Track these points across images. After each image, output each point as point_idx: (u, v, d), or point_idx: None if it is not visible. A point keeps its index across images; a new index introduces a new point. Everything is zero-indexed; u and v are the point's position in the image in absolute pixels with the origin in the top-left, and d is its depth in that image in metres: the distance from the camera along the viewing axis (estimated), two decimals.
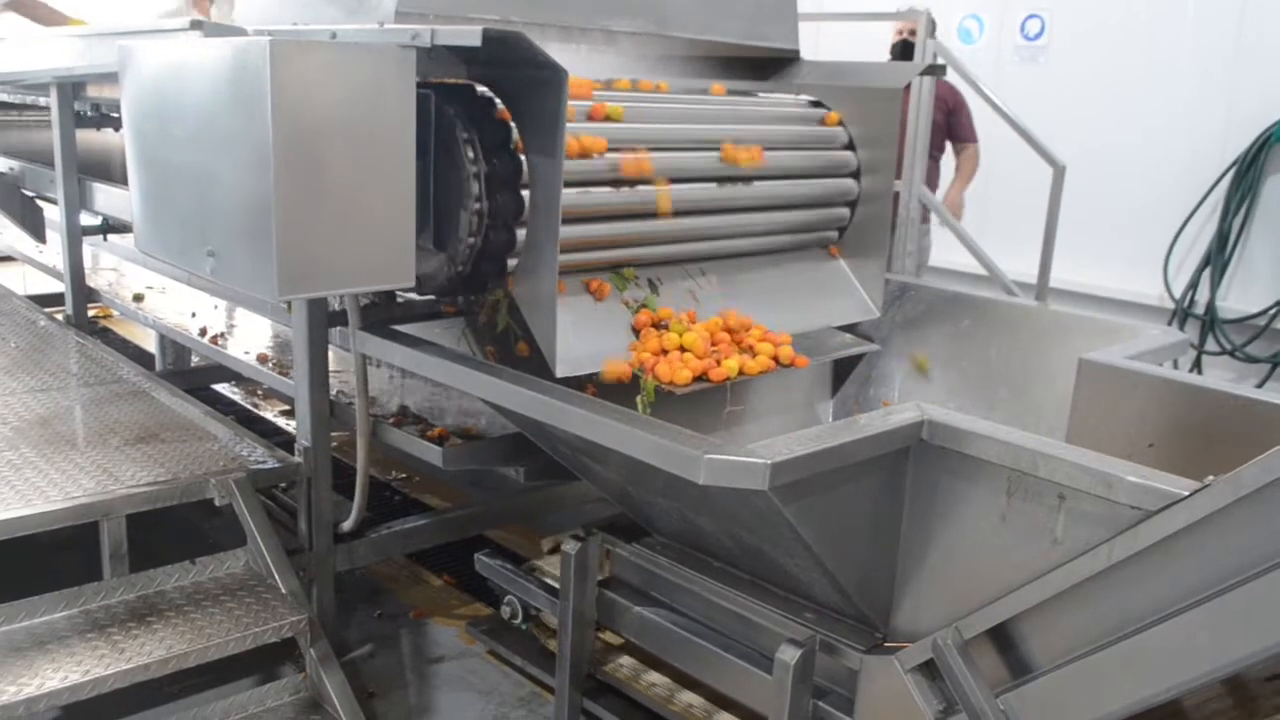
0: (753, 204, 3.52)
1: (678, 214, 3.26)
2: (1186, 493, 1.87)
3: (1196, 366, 6.61)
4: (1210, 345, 6.60)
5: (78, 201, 4.73)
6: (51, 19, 6.12)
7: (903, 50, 5.91)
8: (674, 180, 3.24)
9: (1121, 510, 1.97)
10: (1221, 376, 6.27)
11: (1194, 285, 6.63)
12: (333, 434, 3.59)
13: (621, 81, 3.44)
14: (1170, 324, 6.56)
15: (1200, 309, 6.62)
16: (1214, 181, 6.43)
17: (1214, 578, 1.84)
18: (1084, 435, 2.82)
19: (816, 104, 3.80)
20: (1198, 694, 2.22)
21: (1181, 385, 2.78)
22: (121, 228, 4.80)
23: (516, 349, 3.21)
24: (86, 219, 4.85)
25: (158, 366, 6.20)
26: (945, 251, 6.39)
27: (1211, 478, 1.82)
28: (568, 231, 2.87)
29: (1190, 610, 1.86)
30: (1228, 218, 6.44)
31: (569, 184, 2.84)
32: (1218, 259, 6.53)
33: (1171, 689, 1.94)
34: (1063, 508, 2.09)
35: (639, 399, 2.91)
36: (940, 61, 5.43)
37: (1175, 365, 3.73)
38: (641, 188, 3.14)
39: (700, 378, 2.97)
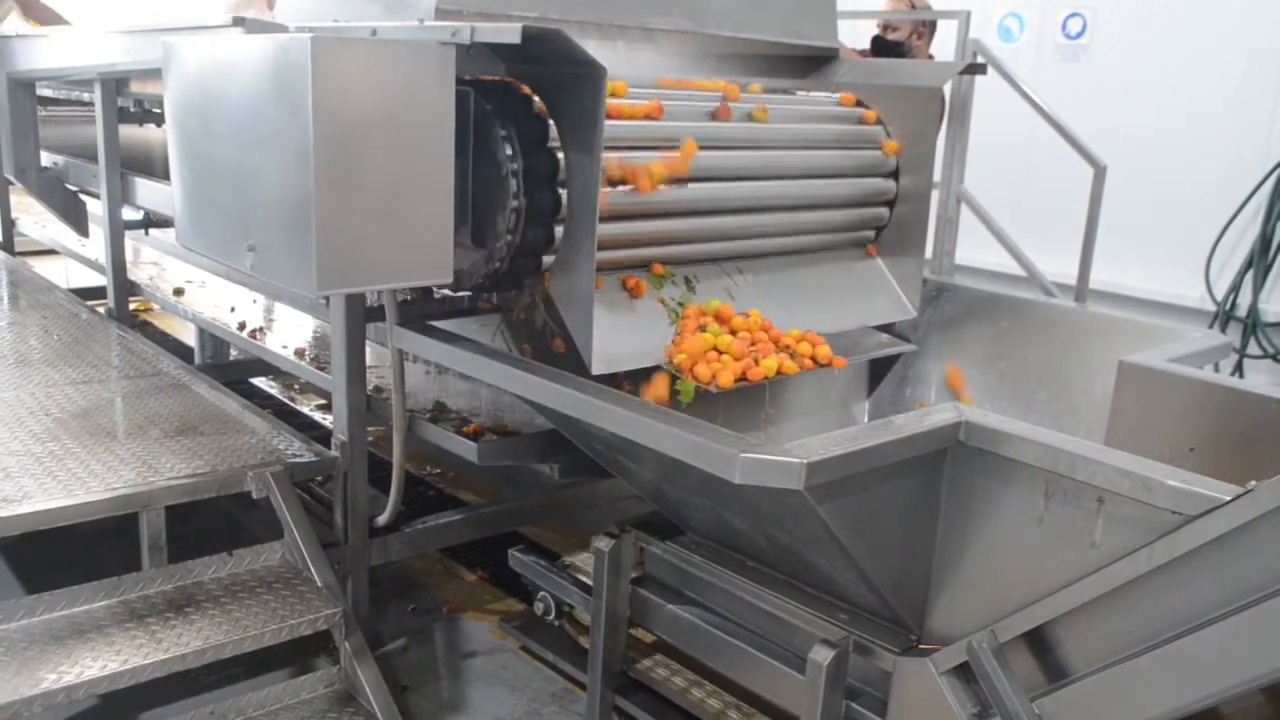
0: (792, 203, 3.51)
1: (714, 212, 3.27)
2: (1228, 498, 1.84)
3: (1238, 370, 6.53)
4: (1252, 349, 6.51)
5: (120, 196, 4.79)
6: (52, 19, 6.18)
7: (881, 46, 5.85)
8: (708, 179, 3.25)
9: (1161, 515, 1.95)
10: (1264, 380, 6.19)
11: (1236, 288, 6.55)
12: (369, 428, 3.62)
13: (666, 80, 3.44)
14: (1211, 327, 6.48)
15: (1242, 312, 6.54)
16: (1258, 183, 6.34)
17: (1255, 584, 1.82)
18: (1123, 438, 2.79)
19: (857, 103, 3.79)
20: (1237, 701, 2.19)
21: (1223, 389, 2.75)
22: (163, 222, 4.85)
23: (553, 346, 3.22)
24: (128, 213, 4.90)
25: (197, 360, 6.27)
26: (980, 251, 6.34)
27: (1254, 483, 1.80)
28: (605, 228, 2.87)
29: (1231, 617, 1.84)
30: (1271, 219, 6.35)
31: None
32: (1260, 261, 6.44)
33: (1210, 696, 1.92)
34: (1101, 511, 2.07)
35: (678, 386, 2.91)
36: (980, 60, 5.40)
37: (1216, 368, 3.68)
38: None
39: (738, 378, 2.97)
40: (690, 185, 3.19)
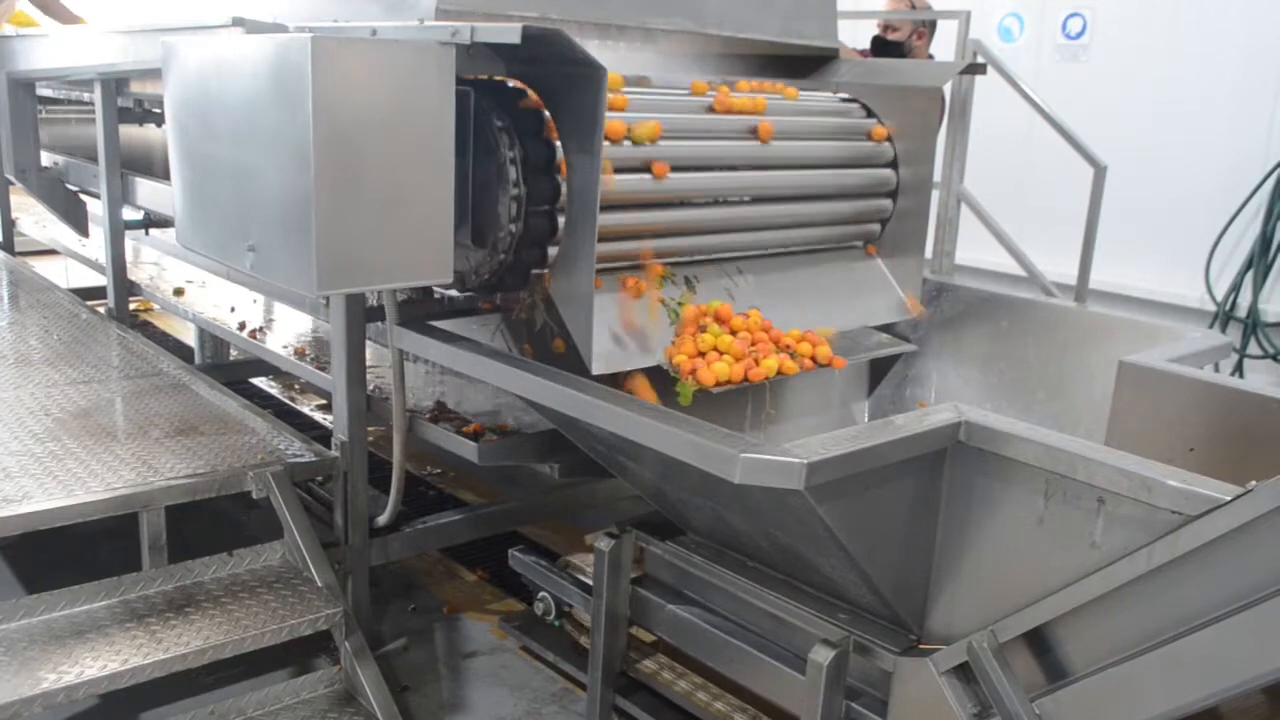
0: (790, 220, 3.53)
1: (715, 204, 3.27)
2: (1228, 498, 1.84)
3: (1238, 370, 6.53)
4: (1252, 349, 6.51)
5: (120, 196, 4.79)
6: (69, 19, 6.19)
7: (881, 46, 5.86)
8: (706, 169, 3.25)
9: (1161, 515, 1.95)
10: (1264, 380, 6.19)
11: (1236, 288, 6.55)
12: (369, 428, 3.62)
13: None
14: (1211, 327, 6.48)
15: (1242, 312, 6.54)
16: (1258, 183, 6.34)
17: (1256, 584, 1.81)
18: (1123, 439, 2.79)
19: (851, 101, 3.79)
20: (1237, 702, 2.19)
21: (1223, 389, 2.75)
22: (163, 222, 4.86)
23: (553, 346, 3.22)
24: (128, 213, 4.90)
25: (197, 360, 6.27)
26: (980, 251, 6.35)
27: (1254, 483, 1.80)
28: (605, 224, 2.87)
29: (1231, 617, 1.84)
30: (1271, 219, 6.35)
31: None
32: (1260, 261, 6.43)
33: (1210, 696, 1.92)
34: (1101, 511, 2.07)
35: (677, 388, 2.91)
36: (980, 60, 5.40)
37: (1216, 368, 3.68)
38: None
39: (739, 379, 2.97)
40: (690, 174, 3.21)
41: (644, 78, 3.37)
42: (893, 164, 3.75)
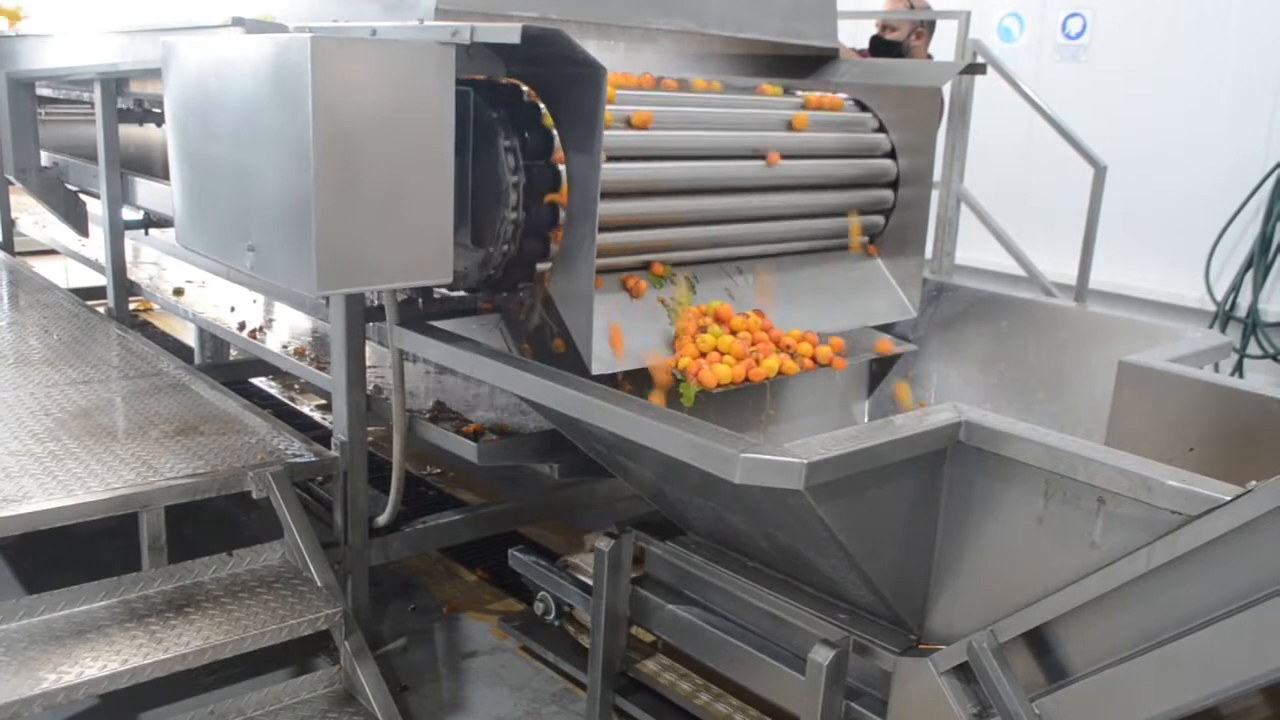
0: (790, 211, 3.52)
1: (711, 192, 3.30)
2: (1228, 498, 1.84)
3: (1238, 370, 6.53)
4: (1252, 349, 6.51)
5: (120, 196, 4.79)
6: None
7: (879, 46, 5.86)
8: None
9: (1161, 515, 1.95)
10: (1264, 380, 6.19)
11: (1236, 288, 6.55)
12: (369, 428, 3.62)
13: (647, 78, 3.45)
14: (1211, 327, 6.48)
15: (1242, 312, 6.54)
16: (1258, 183, 6.34)
17: (1255, 584, 1.81)
18: (1123, 439, 2.79)
19: (858, 104, 3.79)
20: (1237, 701, 2.19)
21: (1223, 389, 2.75)
22: (163, 222, 4.86)
23: (552, 346, 3.22)
24: (128, 213, 4.90)
25: (197, 360, 6.27)
26: (980, 251, 6.35)
27: (1254, 483, 1.80)
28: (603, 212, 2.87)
29: (1230, 617, 1.84)
30: (1271, 219, 6.35)
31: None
32: (1260, 261, 6.43)
33: (1209, 697, 1.92)
34: (1101, 511, 2.07)
35: (680, 389, 2.91)
36: (980, 60, 5.40)
37: (1216, 368, 3.68)
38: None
39: (740, 379, 2.97)
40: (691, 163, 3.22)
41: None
42: (893, 169, 3.74)
